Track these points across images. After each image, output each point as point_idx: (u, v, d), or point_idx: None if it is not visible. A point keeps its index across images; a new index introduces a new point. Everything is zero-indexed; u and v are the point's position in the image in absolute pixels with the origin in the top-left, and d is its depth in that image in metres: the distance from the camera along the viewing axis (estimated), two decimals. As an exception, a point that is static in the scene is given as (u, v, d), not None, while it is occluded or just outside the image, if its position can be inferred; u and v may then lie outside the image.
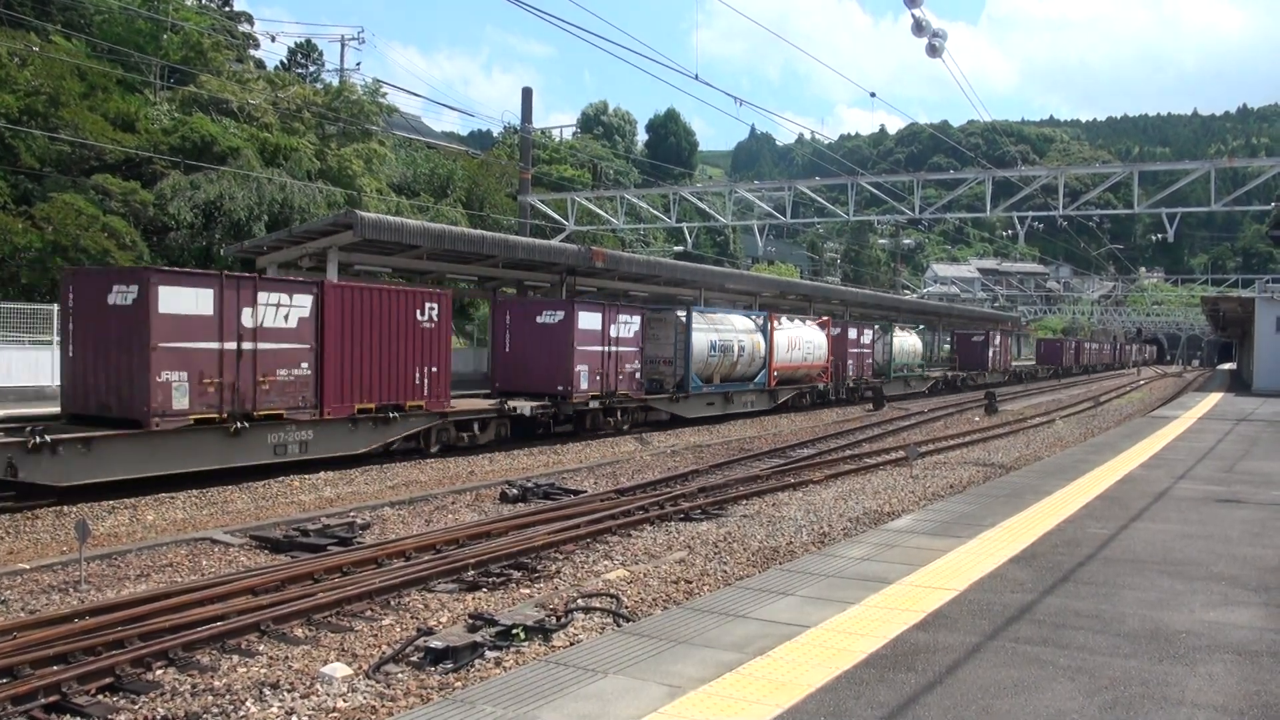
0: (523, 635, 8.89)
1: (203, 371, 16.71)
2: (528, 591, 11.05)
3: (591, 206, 42.66)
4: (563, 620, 9.35)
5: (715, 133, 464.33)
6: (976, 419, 36.61)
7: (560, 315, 25.48)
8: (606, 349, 26.55)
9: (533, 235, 38.64)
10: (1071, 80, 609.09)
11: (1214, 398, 39.29)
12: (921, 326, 60.98)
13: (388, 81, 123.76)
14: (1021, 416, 37.20)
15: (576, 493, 17.73)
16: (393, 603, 10.47)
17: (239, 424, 17.26)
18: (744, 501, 17.07)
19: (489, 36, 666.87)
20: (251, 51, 48.90)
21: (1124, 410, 41.19)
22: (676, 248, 61.84)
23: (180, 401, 16.37)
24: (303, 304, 18.48)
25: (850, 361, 42.83)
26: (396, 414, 20.47)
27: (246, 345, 17.37)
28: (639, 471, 21.12)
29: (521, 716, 5.09)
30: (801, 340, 38.31)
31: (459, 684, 7.85)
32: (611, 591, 10.44)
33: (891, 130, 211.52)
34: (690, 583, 11.07)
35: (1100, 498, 12.56)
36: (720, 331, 32.75)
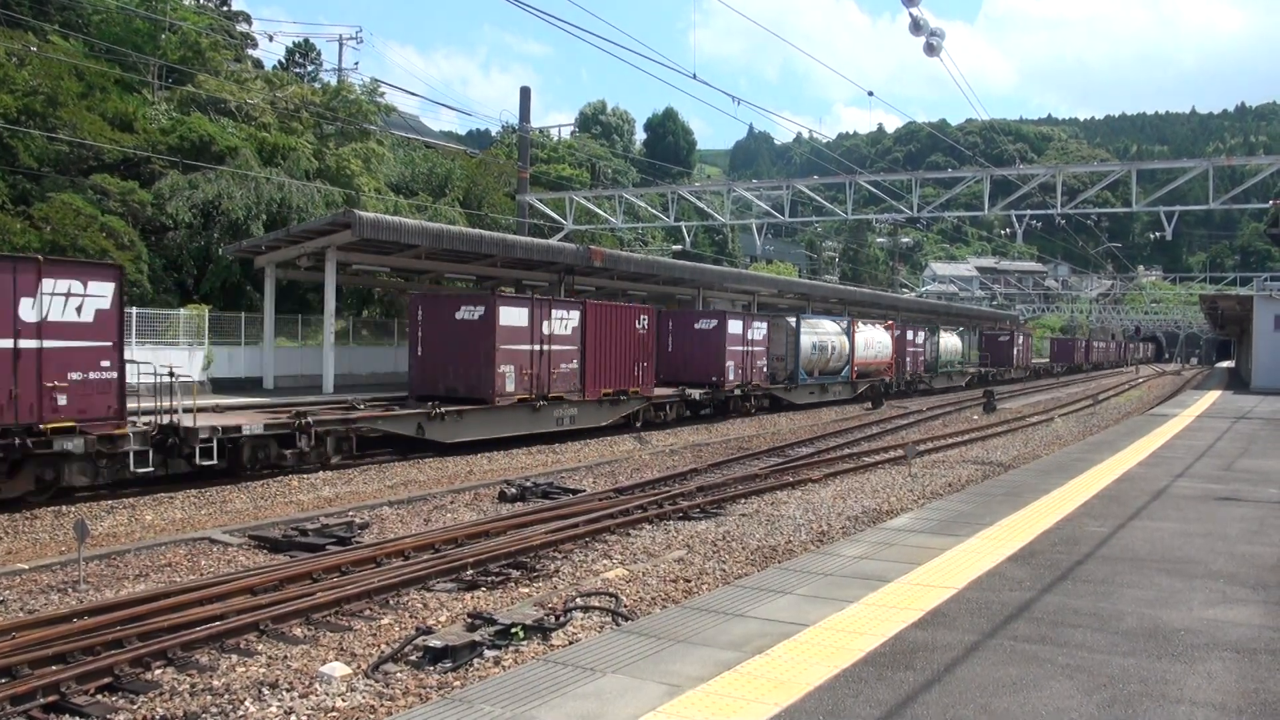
0: (521, 634, 8.89)
1: (521, 365, 24.04)
2: (526, 590, 11.05)
3: (590, 206, 42.64)
4: (561, 619, 9.35)
5: (713, 132, 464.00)
6: (975, 417, 36.62)
7: (714, 323, 33.24)
8: (745, 349, 34.29)
9: (531, 234, 38.62)
10: (1070, 79, 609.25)
11: (1212, 396, 39.31)
12: (961, 329, 66.46)
13: (386, 81, 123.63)
14: (1020, 415, 37.22)
15: (575, 492, 17.73)
16: (391, 602, 10.47)
17: (539, 402, 24.56)
18: (743, 500, 17.07)
19: (486, 36, 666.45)
20: (249, 51, 48.83)
21: (1122, 408, 41.20)
22: (675, 246, 61.76)
23: (509, 386, 23.75)
24: (574, 317, 25.81)
25: (908, 358, 50.17)
26: (624, 397, 27.75)
27: (545, 347, 24.67)
28: (637, 470, 21.12)
29: (520, 715, 5.10)
30: (874, 340, 45.62)
31: (458, 683, 7.85)
32: (610, 590, 10.44)
33: (890, 129, 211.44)
34: (689, 581, 11.08)
35: (1099, 496, 12.56)
36: (818, 334, 40.00)
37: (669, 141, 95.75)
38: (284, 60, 55.05)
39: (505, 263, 30.65)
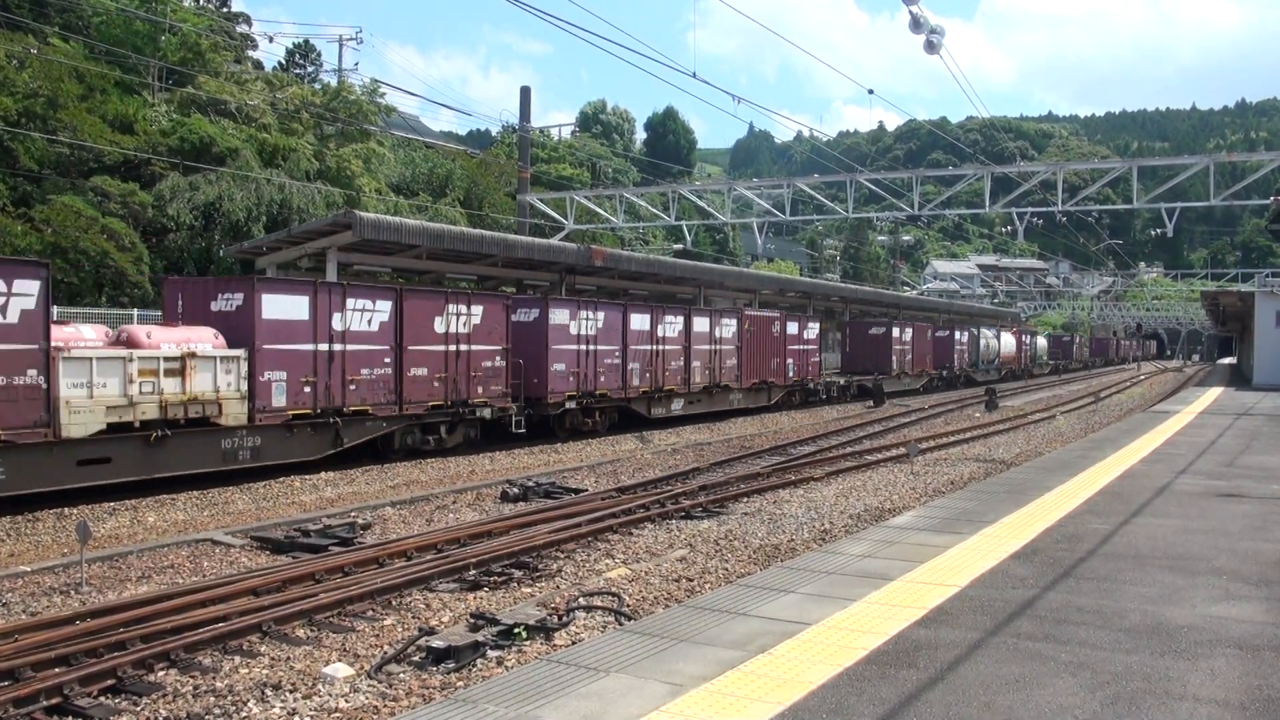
0: (524, 634, 8.88)
1: (902, 354, 47.90)
2: (529, 590, 11.05)
3: (590, 205, 42.64)
4: (564, 619, 9.35)
5: (714, 131, 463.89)
6: (977, 415, 36.60)
7: (948, 332, 56.59)
8: (959, 348, 57.67)
9: (532, 234, 38.62)
10: (1070, 75, 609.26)
11: (1214, 392, 39.27)
12: (1048, 333, 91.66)
13: (386, 81, 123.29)
14: (1022, 412, 37.19)
15: (577, 491, 17.73)
16: (394, 603, 10.47)
17: (903, 376, 47.21)
18: (745, 499, 17.07)
19: (486, 35, 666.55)
20: (249, 52, 48.87)
21: (1124, 405, 41.17)
22: (676, 246, 61.72)
23: (895, 366, 46.98)
24: (910, 332, 49.31)
25: (1023, 353, 73.36)
26: (923, 373, 50.64)
27: (904, 346, 47.84)
28: (640, 470, 21.11)
29: (524, 715, 5.09)
30: (1008, 342, 69.30)
31: (461, 683, 7.85)
32: (613, 590, 10.44)
33: (890, 127, 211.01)
34: (692, 581, 11.07)
35: (1101, 493, 12.55)
36: (985, 339, 63.52)
37: (669, 141, 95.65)
38: (284, 61, 55.04)
39: (506, 263, 30.65)
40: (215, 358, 17.22)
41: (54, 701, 7.64)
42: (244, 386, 17.62)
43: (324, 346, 18.89)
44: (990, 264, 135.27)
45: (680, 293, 39.99)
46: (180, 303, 18.66)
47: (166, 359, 16.52)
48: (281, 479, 18.29)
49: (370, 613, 10.14)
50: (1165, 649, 6.22)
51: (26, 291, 14.52)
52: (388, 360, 20.35)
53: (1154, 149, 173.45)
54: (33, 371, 14.59)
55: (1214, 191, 32.66)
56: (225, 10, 49.58)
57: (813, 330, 40.00)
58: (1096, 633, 6.55)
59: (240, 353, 17.61)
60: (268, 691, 7.84)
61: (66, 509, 15.20)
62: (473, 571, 11.56)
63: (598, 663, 5.95)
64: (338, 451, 19.51)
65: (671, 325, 30.25)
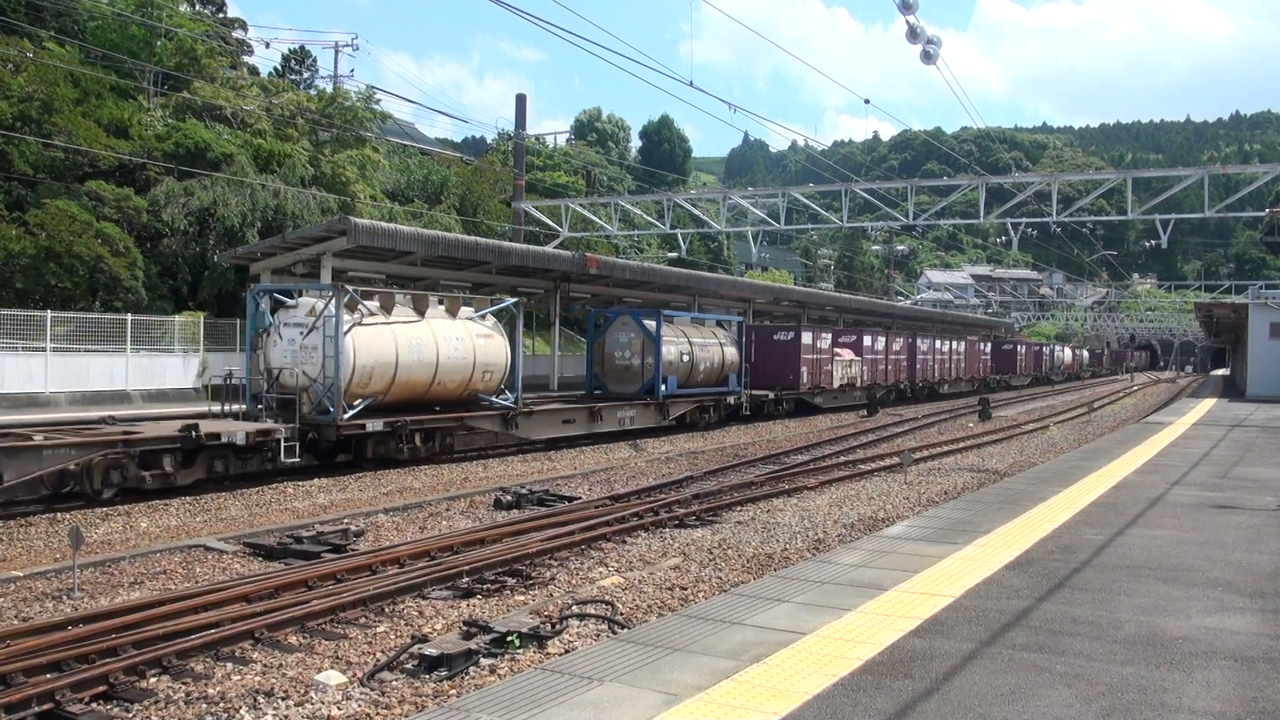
0: (517, 642, 8.86)
1: (1020, 364, 72.34)
2: (522, 598, 11.02)
3: (585, 213, 42.68)
4: (558, 627, 9.33)
5: (709, 139, 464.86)
6: (970, 425, 36.63)
7: (1039, 346, 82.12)
8: (1045, 357, 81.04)
9: (526, 242, 38.62)
10: (1063, 86, 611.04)
11: (1207, 403, 39.35)
12: (1090, 347, 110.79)
13: (381, 88, 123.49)
14: (1015, 422, 37.23)
15: (571, 499, 17.70)
16: (387, 610, 10.44)
17: (1020, 375, 73.03)
18: (739, 508, 17.04)
19: (480, 42, 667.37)
20: (245, 58, 48.87)
21: (1118, 416, 41.24)
22: (670, 254, 61.84)
23: (1018, 370, 71.54)
24: (1024, 350, 76.16)
25: (1075, 361, 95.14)
26: (1033, 376, 78.19)
27: (1020, 358, 73.59)
28: (633, 478, 21.08)
29: (518, 724, 5.07)
30: (1069, 354, 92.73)
31: (454, 691, 7.83)
32: (606, 598, 10.42)
33: (885, 137, 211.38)
34: (685, 589, 11.05)
35: (1095, 504, 12.56)
36: (1058, 351, 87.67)
37: (664, 149, 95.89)
38: (280, 67, 55.07)
39: (501, 270, 30.64)
40: (856, 360, 42.51)
41: (46, 707, 7.60)
42: (858, 372, 42.54)
43: (868, 358, 43.73)
44: (984, 274, 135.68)
45: (675, 301, 40.01)
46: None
47: (849, 360, 41.91)
48: (275, 485, 18.26)
49: (363, 620, 10.10)
50: (1160, 660, 6.22)
51: (826, 335, 40.42)
52: (883, 363, 45.60)
53: (1148, 160, 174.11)
54: (828, 366, 39.55)
55: (1208, 203, 32.77)
56: (221, 16, 49.55)
57: (988, 347, 66.59)
58: (1091, 644, 6.55)
59: (859, 359, 42.84)
60: (260, 699, 7.82)
61: (59, 514, 15.15)
62: (466, 579, 11.53)
63: (592, 672, 5.93)
64: (868, 402, 41.54)
65: (946, 344, 56.31)
